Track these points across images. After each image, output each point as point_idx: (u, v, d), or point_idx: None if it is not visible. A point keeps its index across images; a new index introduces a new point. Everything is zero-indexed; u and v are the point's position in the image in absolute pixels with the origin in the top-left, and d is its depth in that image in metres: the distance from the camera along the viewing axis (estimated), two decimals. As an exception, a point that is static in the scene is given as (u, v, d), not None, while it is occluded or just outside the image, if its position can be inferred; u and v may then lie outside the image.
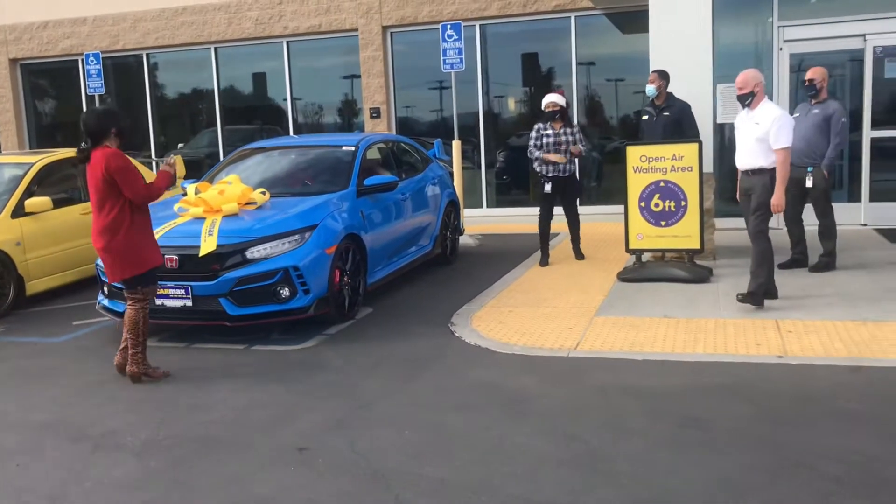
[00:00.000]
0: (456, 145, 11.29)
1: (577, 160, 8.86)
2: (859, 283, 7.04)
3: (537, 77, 13.67)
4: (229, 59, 15.11)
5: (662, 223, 7.70)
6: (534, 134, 8.75)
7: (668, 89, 8.21)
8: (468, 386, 5.06)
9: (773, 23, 10.26)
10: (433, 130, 13.82)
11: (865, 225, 10.10)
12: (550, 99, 8.72)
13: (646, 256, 8.03)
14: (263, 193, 6.90)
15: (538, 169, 8.80)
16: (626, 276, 7.71)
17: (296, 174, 7.66)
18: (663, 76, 8.18)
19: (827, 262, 7.67)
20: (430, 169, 8.97)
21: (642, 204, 7.74)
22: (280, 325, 6.57)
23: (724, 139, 10.60)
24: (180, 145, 15.75)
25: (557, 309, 6.73)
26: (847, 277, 7.30)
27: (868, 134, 10.04)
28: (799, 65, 10.35)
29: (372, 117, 13.99)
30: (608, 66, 13.22)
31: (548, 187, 8.73)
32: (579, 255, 8.96)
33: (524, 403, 4.71)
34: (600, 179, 13.34)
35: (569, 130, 8.68)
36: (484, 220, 12.86)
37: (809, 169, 7.45)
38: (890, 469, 3.65)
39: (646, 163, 7.69)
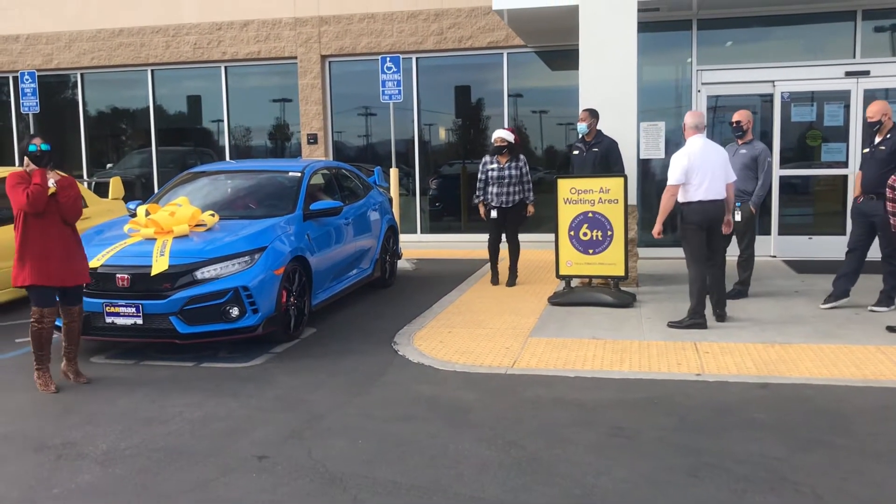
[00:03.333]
0: (394, 173, 11.68)
1: (527, 192, 9.42)
2: (769, 310, 7.68)
3: (470, 108, 14.22)
4: (166, 81, 15.19)
5: (590, 251, 8.22)
6: (480, 167, 9.32)
7: (598, 126, 8.78)
8: (413, 399, 5.39)
9: (693, 66, 11.04)
10: (368, 157, 14.20)
11: (775, 256, 10.89)
12: (499, 134, 9.40)
13: (575, 282, 8.53)
14: (213, 215, 7.12)
15: (484, 199, 9.35)
16: (556, 300, 8.18)
17: (243, 198, 7.91)
18: (593, 114, 8.75)
19: (740, 290, 8.30)
20: (371, 195, 9.32)
21: (572, 233, 8.25)
22: (228, 344, 6.78)
23: (648, 173, 11.31)
24: (109, 165, 15.70)
25: (494, 330, 7.14)
26: (758, 304, 7.94)
27: (777, 172, 10.85)
28: (715, 106, 11.15)
29: (309, 143, 14.28)
30: (537, 100, 13.86)
31: (494, 213, 9.31)
32: (511, 282, 9.41)
33: (467, 414, 5.07)
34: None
35: (514, 165, 9.20)
36: (419, 246, 13.25)
37: (738, 205, 8.04)
38: (792, 469, 4.14)
39: (575, 195, 8.21)
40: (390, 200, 10.22)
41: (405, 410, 5.19)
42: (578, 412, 5.05)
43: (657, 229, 7.14)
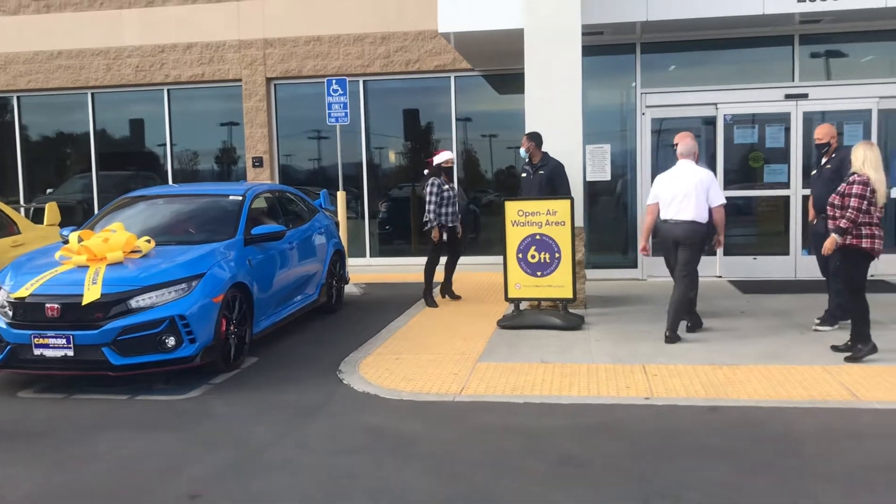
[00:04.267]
0: (341, 196, 11.52)
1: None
2: (716, 330, 7.68)
3: (418, 131, 14.15)
4: (107, 105, 14.82)
5: (538, 274, 8.15)
6: (434, 189, 9.28)
7: (545, 149, 8.76)
8: (358, 430, 5.21)
9: (637, 89, 11.13)
10: (316, 180, 14.01)
11: (721, 277, 10.98)
12: (451, 156, 9.58)
13: (523, 305, 8.44)
14: (149, 241, 6.87)
15: (439, 221, 9.35)
16: (505, 324, 8.08)
17: (182, 223, 7.66)
18: (532, 138, 8.74)
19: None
20: (316, 219, 9.14)
21: (520, 255, 8.18)
22: (164, 375, 6.51)
23: (594, 196, 11.34)
24: (49, 190, 15.22)
25: (442, 356, 7.00)
26: (705, 325, 7.93)
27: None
28: (659, 128, 11.25)
29: (254, 166, 14.04)
30: (485, 123, 13.85)
31: (445, 236, 9.37)
32: (455, 296, 9.61)
33: (412, 445, 4.91)
34: (478, 231, 13.85)
35: (453, 185, 9.20)
36: (367, 270, 13.07)
37: None
38: (743, 496, 4.07)
39: (523, 217, 8.15)
40: (337, 224, 10.05)
41: (349, 442, 5.01)
42: (527, 440, 4.93)
43: (641, 245, 7.68)
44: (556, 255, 8.10)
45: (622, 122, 11.37)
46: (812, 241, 7.81)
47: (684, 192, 7.23)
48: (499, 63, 12.50)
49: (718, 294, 9.71)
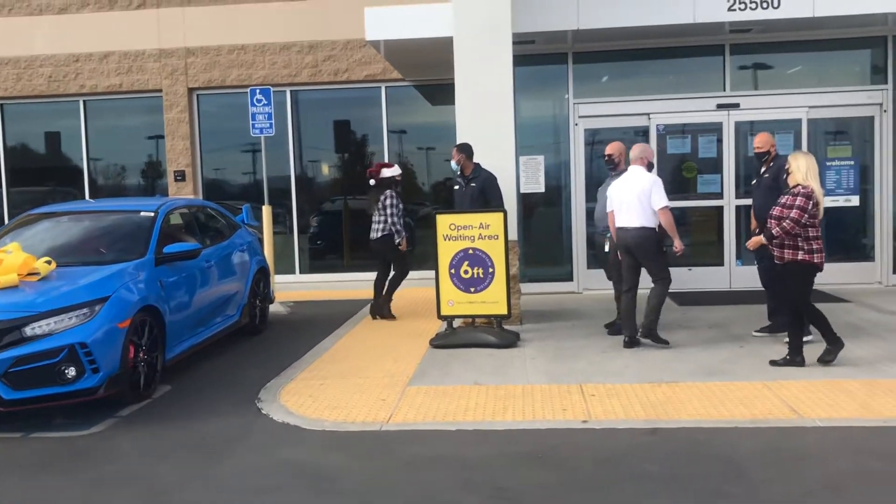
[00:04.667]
0: (266, 210, 11.03)
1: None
2: (652, 346, 7.47)
3: (349, 143, 13.75)
4: (17, 117, 14.01)
5: (472, 290, 7.84)
6: (396, 201, 9.28)
7: (477, 160, 8.47)
8: (276, 467, 4.78)
9: (570, 100, 10.95)
10: (243, 194, 13.45)
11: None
12: (399, 169, 9.53)
13: (457, 322, 8.12)
14: (49, 262, 6.32)
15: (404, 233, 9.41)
16: (438, 343, 7.74)
17: (88, 241, 7.11)
18: (462, 150, 8.45)
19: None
20: (237, 235, 8.66)
21: (452, 271, 7.85)
22: (65, 409, 5.97)
23: (528, 208, 11.11)
24: (-45, 210, 14.31)
25: (370, 379, 6.61)
26: (642, 340, 7.73)
27: (655, 204, 10.84)
28: (593, 138, 11.09)
29: (176, 180, 13.43)
30: (418, 135, 13.54)
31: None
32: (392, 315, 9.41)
33: (335, 482, 4.51)
34: (413, 245, 13.49)
35: None
36: (297, 287, 12.58)
37: (608, 235, 7.91)
38: (687, 529, 3.80)
39: (455, 231, 7.83)
40: (260, 240, 9.57)
41: (266, 480, 4.58)
42: (459, 472, 4.57)
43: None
44: (490, 269, 7.80)
45: (556, 133, 11.18)
46: (754, 251, 7.64)
47: (629, 199, 7.30)
48: (430, 73, 12.20)
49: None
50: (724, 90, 10.82)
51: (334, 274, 13.42)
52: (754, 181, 7.75)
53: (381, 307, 9.44)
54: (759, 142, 7.56)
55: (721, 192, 10.84)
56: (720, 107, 10.77)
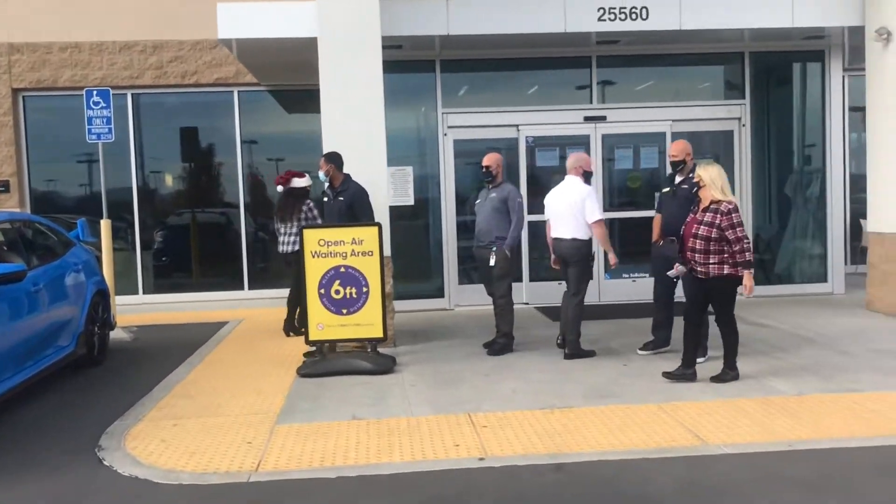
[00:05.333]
0: (105, 225, 9.89)
1: None
2: (537, 365, 7.12)
3: (198, 152, 12.72)
4: None
5: (344, 311, 7.19)
6: (316, 214, 8.80)
7: (348, 171, 7.85)
8: (122, 536, 3.97)
9: (438, 109, 10.52)
10: (79, 207, 12.15)
11: (528, 304, 10.55)
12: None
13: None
14: None
15: None
16: (306, 371, 7.02)
17: None
18: (331, 159, 7.84)
19: (504, 344, 7.71)
20: (72, 253, 7.59)
21: (322, 291, 7.17)
22: None
23: (396, 221, 10.55)
24: None
25: (232, 417, 5.82)
26: (525, 359, 7.37)
27: (525, 218, 10.57)
28: (463, 150, 10.71)
29: (-1, 191, 11.95)
30: (275, 144, 12.71)
31: None
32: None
33: (197, 553, 3.76)
34: (268, 261, 12.65)
35: None
36: (141, 309, 11.41)
37: (493, 248, 7.52)
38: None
39: (325, 247, 7.16)
40: (99, 258, 8.49)
41: (109, 555, 3.76)
42: (345, 529, 3.94)
43: (553, 259, 7.56)
44: (364, 289, 7.18)
45: (425, 144, 10.72)
46: (653, 263, 7.44)
47: (562, 209, 7.30)
48: (289, 77, 11.47)
49: (530, 322, 9.25)
50: (592, 103, 10.75)
51: (183, 294, 12.36)
52: (666, 189, 7.40)
53: (294, 323, 8.85)
54: (676, 150, 7.23)
55: (590, 204, 10.71)
56: (587, 119, 10.68)
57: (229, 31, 8.99)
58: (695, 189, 6.36)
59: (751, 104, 10.82)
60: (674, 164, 7.28)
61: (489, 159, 7.80)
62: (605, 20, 9.34)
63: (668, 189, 7.34)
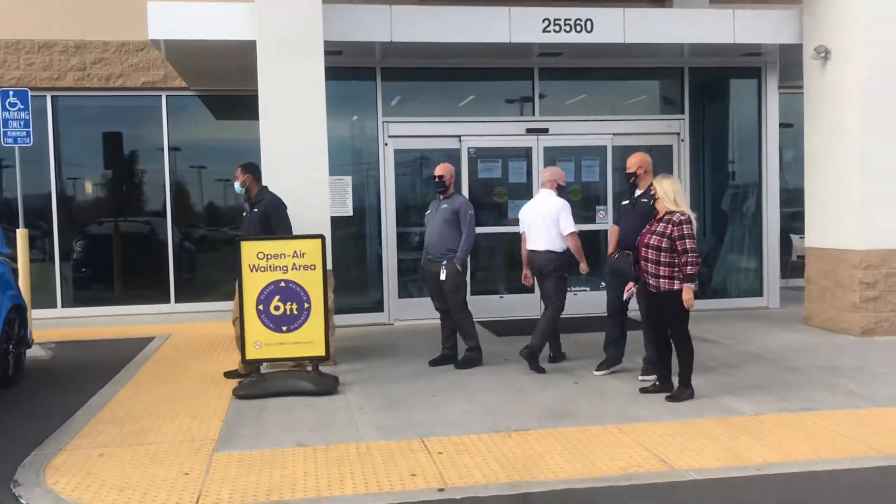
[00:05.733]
0: (22, 235, 9.23)
1: None
2: (488, 383, 6.88)
3: (123, 158, 12.07)
4: None
5: (284, 328, 6.80)
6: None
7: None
8: (45, 587, 3.53)
9: (379, 118, 10.23)
10: (-4, 216, 11.35)
11: (470, 318, 10.30)
12: None
13: (265, 365, 7.04)
14: None
15: None
16: (243, 392, 6.61)
17: None
18: (248, 170, 7.42)
19: (471, 358, 7.53)
20: (-16, 267, 7.00)
21: (261, 307, 6.77)
22: None
23: (334, 232, 10.19)
24: None
25: (165, 445, 5.37)
26: (472, 378, 7.12)
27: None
28: (404, 160, 10.44)
29: None
30: (205, 152, 12.16)
31: None
32: None
33: None
34: (195, 272, 12.10)
35: None
36: (59, 324, 10.73)
37: (444, 263, 7.28)
38: None
39: (264, 260, 6.77)
40: (14, 271, 7.88)
41: None
42: (299, 573, 3.59)
43: (524, 273, 7.63)
44: (306, 305, 6.81)
45: (365, 154, 10.41)
46: (609, 276, 7.27)
47: (536, 222, 7.34)
48: (220, 82, 11.01)
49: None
50: (534, 115, 10.62)
51: (104, 307, 11.69)
52: (625, 202, 7.25)
53: None
54: (631, 163, 7.03)
55: (531, 218, 10.56)
56: (530, 131, 10.55)
57: (161, 32, 8.49)
58: (652, 202, 6.26)
59: (689, 119, 10.87)
60: (627, 177, 7.16)
61: (442, 169, 7.57)
62: (549, 31, 9.23)
63: (627, 202, 7.20)
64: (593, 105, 10.92)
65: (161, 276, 11.85)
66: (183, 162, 12.03)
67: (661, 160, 10.97)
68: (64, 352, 8.87)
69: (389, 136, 10.26)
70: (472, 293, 10.40)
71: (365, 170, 10.40)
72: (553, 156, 10.58)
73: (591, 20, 9.26)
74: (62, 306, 11.60)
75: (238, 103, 11.73)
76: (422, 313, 10.14)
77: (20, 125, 9.37)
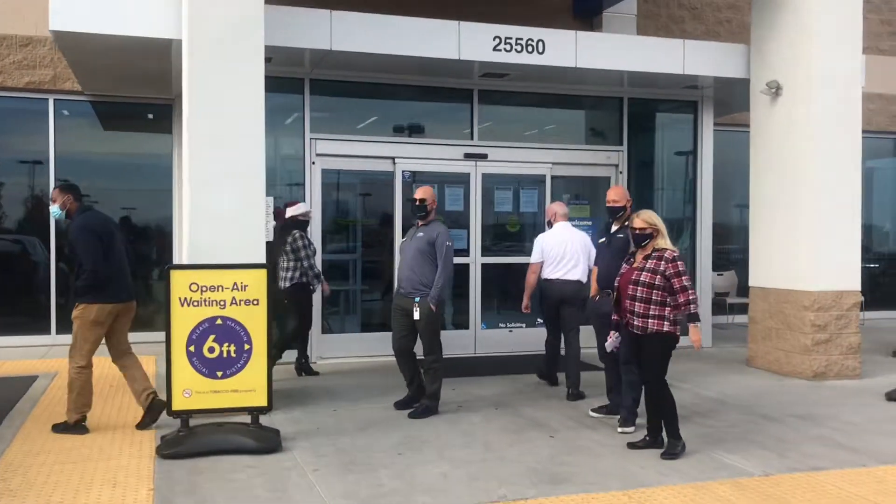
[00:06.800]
0: None
1: None
2: (450, 438, 6.08)
3: (6, 167, 10.55)
4: None
5: (219, 374, 5.78)
6: (307, 242, 8.37)
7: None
8: None
9: (306, 134, 9.32)
10: None
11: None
12: (308, 207, 8.67)
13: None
14: None
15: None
16: (170, 451, 5.52)
17: None
18: (64, 191, 6.32)
19: (428, 406, 6.80)
20: None
21: (192, 348, 5.72)
22: None
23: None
24: None
25: (84, 526, 4.29)
26: (431, 428, 6.32)
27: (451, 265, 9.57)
28: (332, 181, 9.57)
29: None
30: (100, 166, 10.82)
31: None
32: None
33: None
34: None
35: None
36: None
37: (416, 300, 6.49)
38: None
39: (198, 293, 5.74)
40: None
41: None
42: None
43: (524, 303, 7.79)
44: (246, 346, 5.81)
45: (290, 173, 9.43)
46: (594, 321, 6.73)
47: (575, 253, 7.44)
48: (119, 87, 9.83)
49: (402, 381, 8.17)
50: (473, 139, 9.97)
51: (11, 337, 10.11)
52: (602, 239, 6.73)
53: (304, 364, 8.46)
54: (616, 195, 6.59)
55: (467, 248, 9.89)
56: (468, 156, 9.89)
57: (63, 22, 7.29)
58: (645, 241, 5.68)
59: (628, 150, 10.52)
60: (613, 211, 6.63)
61: (423, 192, 6.82)
62: (500, 50, 8.65)
63: (603, 239, 6.70)
64: (532, 132, 10.40)
65: (38, 302, 10.40)
66: (70, 174, 10.63)
67: (600, 191, 10.59)
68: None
69: (317, 155, 9.35)
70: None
71: (288, 190, 9.43)
72: (491, 183, 9.97)
73: (542, 41, 8.76)
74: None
75: (134, 112, 10.58)
76: (346, 350, 9.32)
77: None
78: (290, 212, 8.33)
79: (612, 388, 6.68)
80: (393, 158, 9.64)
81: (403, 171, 9.69)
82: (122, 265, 6.25)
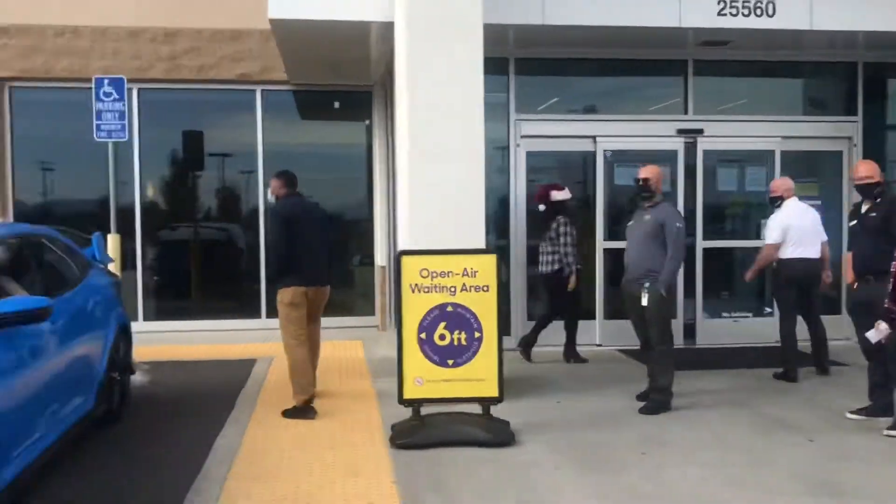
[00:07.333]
0: (114, 240, 8.18)
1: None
2: (690, 435, 5.56)
3: (210, 158, 10.99)
4: None
5: (450, 362, 5.57)
6: (569, 229, 8.16)
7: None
8: None
9: (511, 115, 9.01)
10: (74, 219, 10.18)
11: (601, 345, 9.06)
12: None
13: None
14: None
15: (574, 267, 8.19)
16: (404, 442, 5.37)
17: None
18: (277, 176, 6.54)
19: (661, 402, 6.26)
20: (91, 278, 5.86)
21: (423, 336, 5.55)
22: None
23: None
24: None
25: (336, 515, 4.18)
26: (669, 427, 5.83)
27: (601, 244, 9.10)
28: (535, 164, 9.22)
29: (-22, 199, 10.15)
30: (303, 153, 11.07)
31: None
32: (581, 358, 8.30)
33: None
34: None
35: None
36: (143, 339, 9.51)
37: (646, 285, 6.05)
38: None
39: (428, 279, 5.56)
40: (117, 284, 6.76)
41: None
42: None
43: (750, 276, 7.70)
44: (476, 334, 5.57)
45: (495, 155, 9.16)
46: (852, 313, 6.16)
47: (814, 230, 7.36)
48: (329, 76, 9.94)
49: (622, 371, 7.78)
50: (687, 113, 9.28)
51: (185, 322, 10.65)
52: (853, 222, 6.10)
53: (570, 351, 8.31)
54: (867, 170, 5.95)
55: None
56: (681, 132, 9.22)
57: (282, 10, 7.38)
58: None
59: (863, 122, 9.45)
60: (865, 189, 5.90)
61: (648, 171, 6.36)
62: (725, 14, 7.94)
63: (854, 221, 6.00)
64: (755, 104, 9.52)
65: (251, 287, 10.77)
66: (276, 163, 10.93)
67: (827, 166, 9.63)
68: (160, 374, 7.76)
69: (522, 137, 9.02)
70: (605, 317, 9.14)
71: (494, 173, 9.16)
72: (711, 161, 9.25)
73: (772, 2, 7.96)
74: (144, 319, 10.55)
75: (330, 100, 10.76)
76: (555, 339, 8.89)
77: (115, 117, 8.40)
78: (558, 196, 8.10)
79: (874, 386, 5.92)
80: (594, 137, 9.13)
81: (605, 151, 9.16)
82: (312, 251, 6.23)
